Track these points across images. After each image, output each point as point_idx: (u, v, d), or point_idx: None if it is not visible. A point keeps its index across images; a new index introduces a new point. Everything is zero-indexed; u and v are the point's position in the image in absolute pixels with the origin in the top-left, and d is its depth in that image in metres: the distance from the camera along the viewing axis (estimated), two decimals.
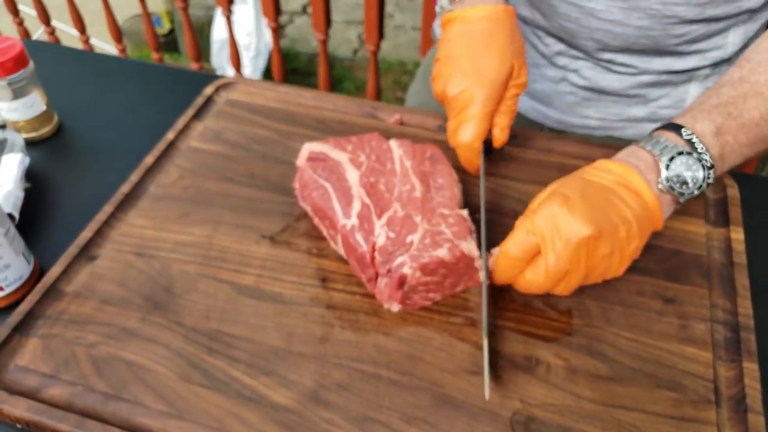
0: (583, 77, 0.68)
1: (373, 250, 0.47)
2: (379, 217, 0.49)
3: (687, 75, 0.66)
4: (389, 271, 0.46)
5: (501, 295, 0.49)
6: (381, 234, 0.48)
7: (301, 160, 0.55)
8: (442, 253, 0.46)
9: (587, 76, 0.68)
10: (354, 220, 0.49)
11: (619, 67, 0.66)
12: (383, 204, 0.50)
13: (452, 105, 0.56)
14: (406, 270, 0.45)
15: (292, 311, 0.48)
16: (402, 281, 0.46)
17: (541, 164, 0.61)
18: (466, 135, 0.55)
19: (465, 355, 0.45)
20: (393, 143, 0.55)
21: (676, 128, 0.48)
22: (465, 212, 0.50)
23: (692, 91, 0.67)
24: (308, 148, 0.55)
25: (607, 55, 0.65)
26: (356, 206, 0.50)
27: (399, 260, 0.46)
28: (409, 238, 0.47)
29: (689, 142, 0.47)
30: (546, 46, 0.68)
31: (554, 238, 0.44)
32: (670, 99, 0.68)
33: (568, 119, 0.72)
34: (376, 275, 0.47)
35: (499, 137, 0.58)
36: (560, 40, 0.67)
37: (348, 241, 0.49)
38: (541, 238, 0.44)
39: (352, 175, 0.52)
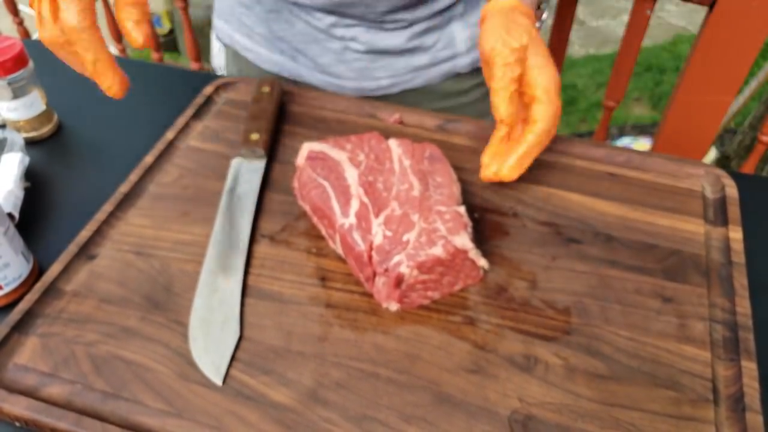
0: (362, 42, 0.71)
1: (371, 248, 0.47)
2: (377, 215, 0.49)
3: (446, 16, 0.71)
4: (386, 270, 0.46)
5: (500, 293, 0.50)
6: (378, 233, 0.48)
7: (300, 160, 0.55)
8: (437, 250, 0.46)
9: (365, 40, 0.70)
10: (352, 219, 0.49)
11: (390, 24, 0.69)
12: (381, 203, 0.50)
13: None
14: (403, 269, 0.45)
15: (291, 310, 0.48)
16: (399, 280, 0.46)
17: (541, 164, 0.61)
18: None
19: (464, 354, 0.45)
20: (392, 142, 0.55)
21: None
22: (462, 209, 0.50)
23: (456, 29, 0.73)
24: (308, 147, 0.55)
25: (379, 17, 0.68)
26: (354, 205, 0.50)
27: (396, 259, 0.46)
28: (405, 237, 0.47)
29: None
30: (318, 20, 0.70)
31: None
32: (443, 41, 0.73)
33: (363, 85, 0.75)
34: (374, 274, 0.47)
35: (133, 33, 0.46)
36: (330, 13, 0.69)
37: (346, 240, 0.49)
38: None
39: (351, 174, 0.52)
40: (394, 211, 0.49)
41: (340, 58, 0.72)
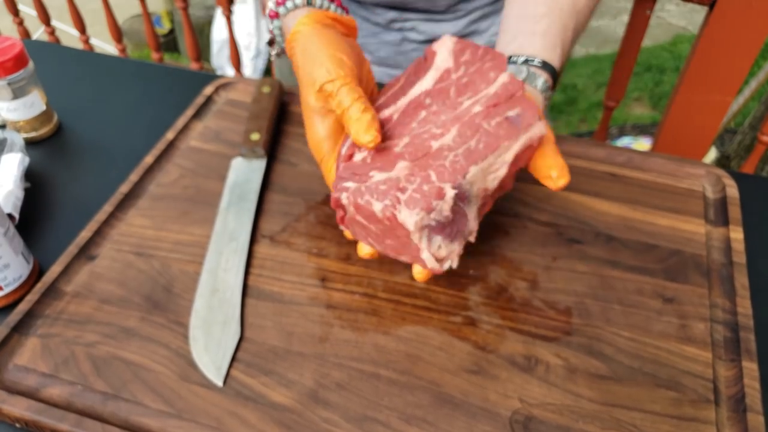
0: (421, 32, 0.71)
1: (349, 158, 0.45)
2: (384, 139, 0.45)
3: (502, 2, 0.72)
4: (335, 186, 0.44)
5: (500, 294, 0.50)
6: (364, 151, 0.45)
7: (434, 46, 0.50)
8: (377, 207, 0.41)
9: (424, 30, 0.71)
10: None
11: (449, 14, 0.70)
12: (401, 130, 0.45)
13: None
14: (343, 197, 0.43)
15: (291, 311, 0.48)
16: (338, 203, 0.44)
17: None
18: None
19: (464, 355, 0.45)
20: (504, 75, 0.46)
21: (548, 68, 0.51)
22: (451, 192, 0.41)
23: None
24: (449, 39, 0.49)
25: (439, 10, 0.69)
26: (387, 112, 0.46)
27: (347, 184, 0.43)
28: (372, 173, 0.43)
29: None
30: (378, 15, 0.70)
31: None
32: (498, 26, 0.73)
33: None
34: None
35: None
36: (391, 8, 0.69)
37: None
38: None
39: (420, 86, 0.47)
40: (396, 145, 0.44)
41: (398, 50, 0.73)
